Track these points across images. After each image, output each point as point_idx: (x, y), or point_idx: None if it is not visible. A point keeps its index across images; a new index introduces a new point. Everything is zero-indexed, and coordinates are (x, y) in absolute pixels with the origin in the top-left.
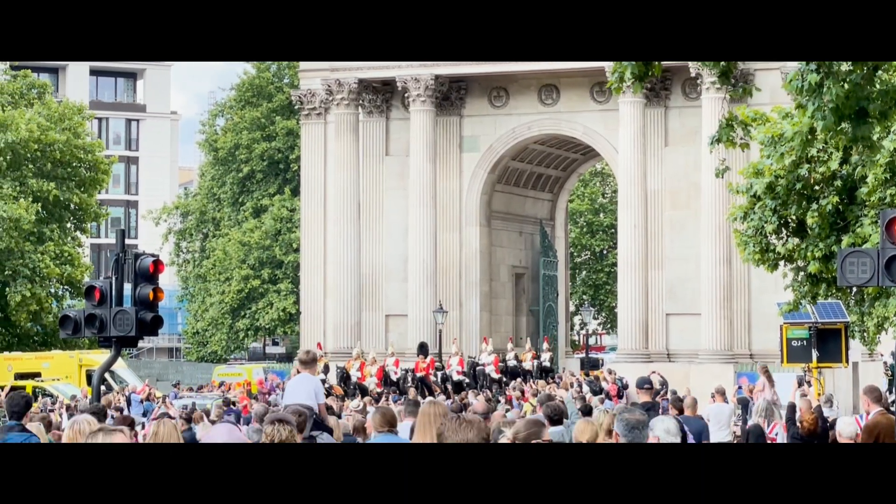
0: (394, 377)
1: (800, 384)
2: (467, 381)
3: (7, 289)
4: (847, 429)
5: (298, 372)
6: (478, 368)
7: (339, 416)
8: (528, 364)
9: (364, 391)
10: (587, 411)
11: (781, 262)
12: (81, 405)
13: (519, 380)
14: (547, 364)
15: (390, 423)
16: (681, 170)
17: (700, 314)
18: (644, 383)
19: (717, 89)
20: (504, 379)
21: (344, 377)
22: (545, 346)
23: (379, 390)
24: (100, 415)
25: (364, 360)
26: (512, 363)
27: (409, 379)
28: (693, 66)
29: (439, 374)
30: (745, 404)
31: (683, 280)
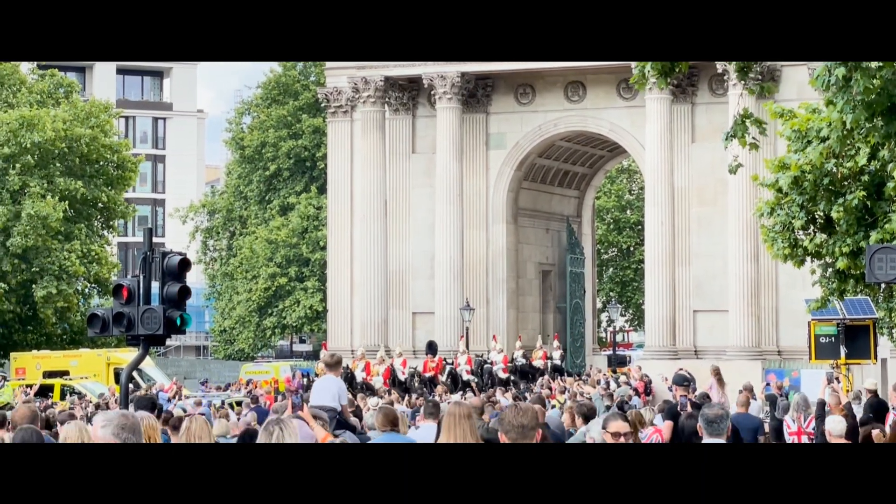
0: (401, 377)
1: (829, 381)
2: (475, 380)
3: (34, 286)
4: (837, 427)
5: (323, 373)
6: (485, 367)
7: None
8: (538, 363)
9: (372, 391)
10: (621, 408)
11: (809, 258)
12: (135, 399)
13: (546, 377)
14: (558, 363)
15: (392, 423)
16: (708, 166)
17: (727, 311)
18: (682, 381)
19: (743, 85)
20: (513, 378)
21: (348, 377)
22: (555, 343)
23: (385, 390)
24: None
25: (369, 361)
26: (521, 362)
27: (416, 379)
28: (720, 63)
29: (447, 371)
30: (773, 401)
31: (711, 276)
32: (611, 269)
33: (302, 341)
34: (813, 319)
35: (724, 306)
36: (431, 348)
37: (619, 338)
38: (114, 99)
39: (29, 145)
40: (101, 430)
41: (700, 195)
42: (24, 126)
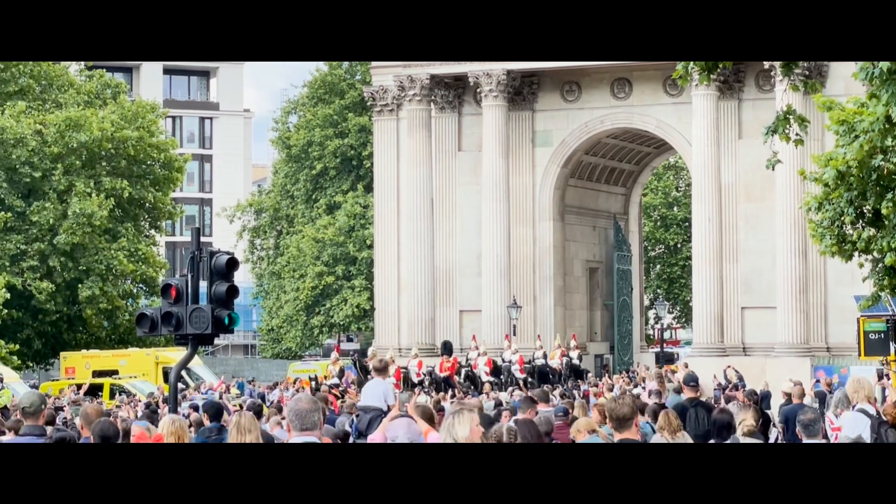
0: (415, 378)
1: (879, 377)
2: (493, 380)
3: (80, 285)
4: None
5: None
6: (502, 367)
7: None
8: (555, 363)
9: None
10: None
11: (857, 253)
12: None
13: (590, 375)
14: (577, 362)
15: (429, 419)
16: (755, 162)
17: (776, 307)
18: (690, 380)
19: (789, 81)
20: (530, 380)
21: (360, 380)
22: (573, 343)
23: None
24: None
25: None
26: (539, 362)
27: (428, 378)
28: None
29: (464, 372)
30: (822, 398)
31: (759, 273)
32: (658, 266)
33: (349, 340)
34: (862, 316)
35: (772, 303)
36: (446, 348)
37: (666, 335)
38: (161, 99)
39: (75, 145)
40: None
41: (747, 191)
42: (71, 127)
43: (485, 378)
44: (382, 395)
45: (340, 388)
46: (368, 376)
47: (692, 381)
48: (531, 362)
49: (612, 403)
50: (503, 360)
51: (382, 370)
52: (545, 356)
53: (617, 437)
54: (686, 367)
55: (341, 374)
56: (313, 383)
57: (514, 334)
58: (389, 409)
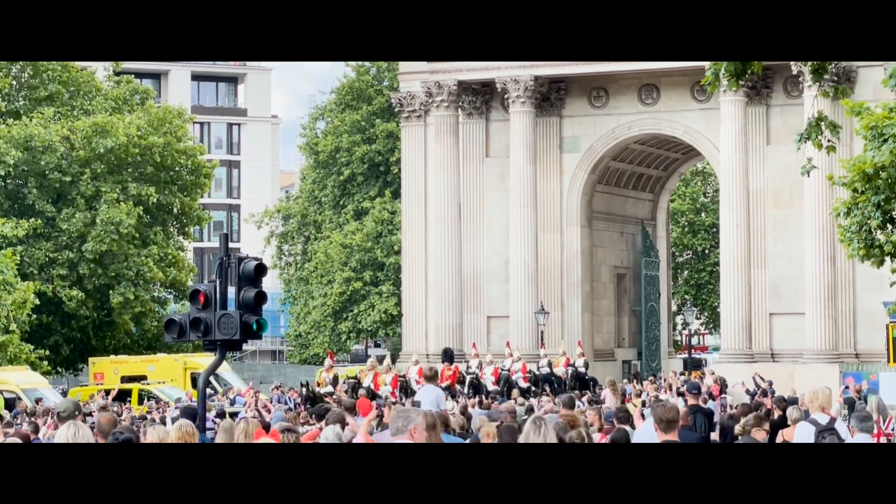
0: (416, 386)
1: None
2: (498, 389)
3: (111, 292)
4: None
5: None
6: (502, 374)
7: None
8: (559, 370)
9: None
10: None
11: (888, 258)
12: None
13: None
14: (582, 370)
15: (444, 423)
16: (783, 168)
17: (804, 313)
18: (693, 388)
19: (818, 87)
20: (533, 389)
21: (354, 388)
22: (579, 350)
23: (393, 400)
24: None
25: (378, 371)
26: (545, 370)
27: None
28: (794, 64)
29: (468, 381)
30: (851, 404)
31: (787, 279)
32: (686, 272)
33: (377, 345)
34: (891, 322)
35: (800, 309)
36: (448, 356)
37: (694, 341)
38: (189, 105)
39: (102, 151)
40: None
41: (776, 197)
42: (98, 132)
43: (490, 387)
44: (436, 400)
45: (335, 397)
46: (360, 390)
47: (694, 388)
48: (533, 371)
49: (661, 410)
50: (502, 369)
51: (433, 377)
52: (550, 365)
53: (661, 439)
54: (713, 374)
55: (335, 381)
56: (304, 389)
57: (543, 340)
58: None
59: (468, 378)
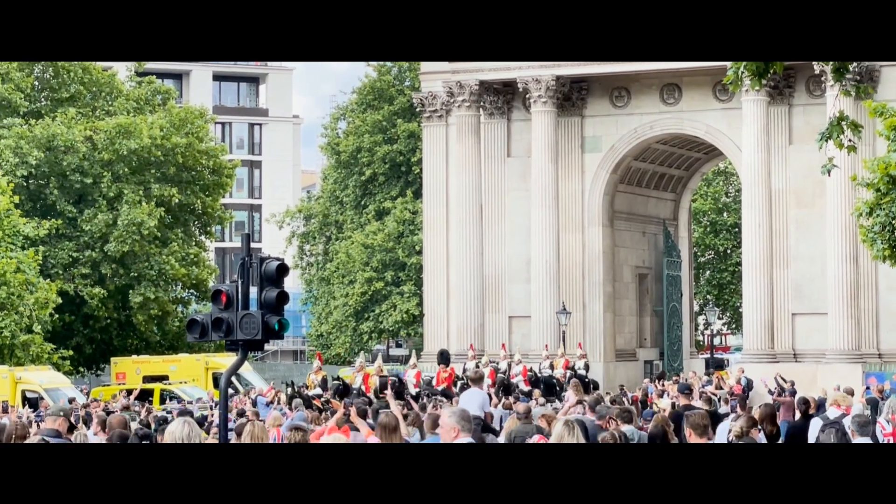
0: (413, 389)
1: None
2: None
3: (131, 291)
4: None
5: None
6: (498, 377)
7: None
8: (559, 372)
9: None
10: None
11: None
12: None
13: (645, 381)
14: (582, 372)
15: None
16: (805, 168)
17: (826, 313)
18: (684, 389)
19: (840, 86)
20: (535, 391)
21: (341, 390)
22: (579, 351)
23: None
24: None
25: (368, 372)
26: (546, 372)
27: (429, 391)
28: (817, 64)
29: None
30: (874, 404)
31: (809, 279)
32: (708, 272)
33: (398, 346)
34: None
35: (823, 309)
36: (444, 358)
37: (716, 341)
38: (210, 105)
39: (125, 152)
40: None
41: (798, 197)
42: (121, 133)
43: (523, 387)
44: (480, 403)
45: (323, 399)
46: (352, 390)
47: (685, 389)
48: (534, 372)
49: (695, 416)
50: (499, 371)
51: (478, 380)
52: (552, 367)
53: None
54: (742, 371)
55: (324, 384)
56: (289, 389)
57: (564, 340)
58: (486, 416)
59: (460, 383)
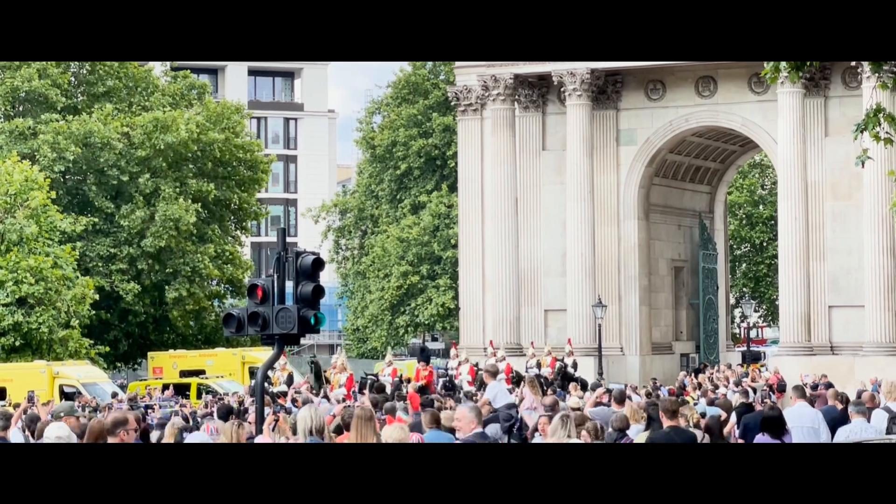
0: (388, 388)
1: None
2: (475, 391)
3: (167, 287)
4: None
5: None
6: (477, 375)
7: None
8: (545, 370)
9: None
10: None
11: None
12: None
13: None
14: (571, 370)
15: (437, 422)
16: (842, 160)
17: (864, 306)
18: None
19: (878, 78)
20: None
21: (372, 385)
22: (568, 348)
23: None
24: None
25: (396, 369)
26: (532, 371)
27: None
28: None
29: (441, 381)
30: None
31: (846, 271)
32: (744, 265)
33: (434, 339)
34: None
35: (860, 301)
36: (423, 354)
37: (752, 334)
38: (245, 100)
39: (162, 147)
40: None
41: (834, 189)
42: (158, 129)
43: (466, 387)
44: (507, 393)
45: (290, 397)
46: (327, 384)
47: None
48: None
49: (664, 402)
50: (479, 369)
51: (494, 374)
52: (538, 365)
53: (667, 425)
54: (777, 370)
55: (290, 380)
56: (270, 388)
57: (600, 334)
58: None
59: (441, 380)
